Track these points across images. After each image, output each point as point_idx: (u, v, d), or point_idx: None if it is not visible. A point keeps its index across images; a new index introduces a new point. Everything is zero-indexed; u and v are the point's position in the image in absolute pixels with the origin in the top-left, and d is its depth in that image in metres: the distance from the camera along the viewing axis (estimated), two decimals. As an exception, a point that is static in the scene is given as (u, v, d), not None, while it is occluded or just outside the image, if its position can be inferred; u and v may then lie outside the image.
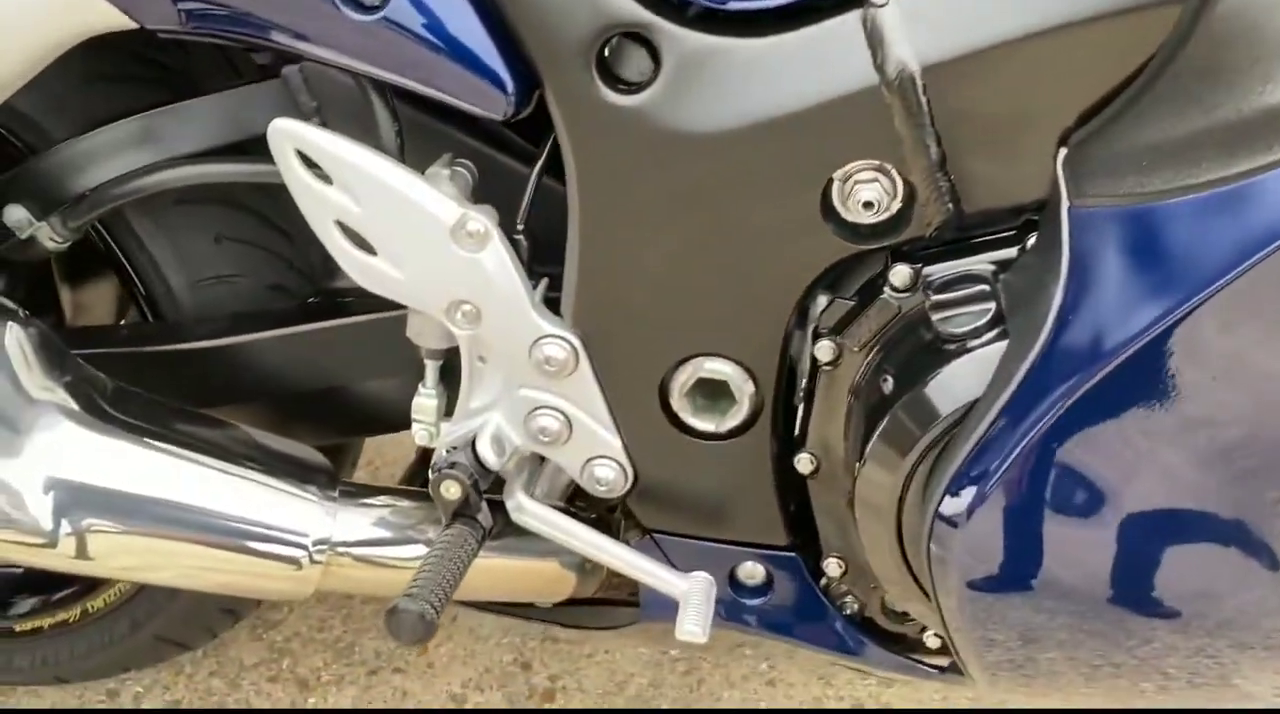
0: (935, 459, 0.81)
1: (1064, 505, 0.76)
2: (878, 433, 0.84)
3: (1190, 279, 0.69)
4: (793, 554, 1.00)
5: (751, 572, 1.02)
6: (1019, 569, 0.78)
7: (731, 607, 1.02)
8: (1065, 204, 0.74)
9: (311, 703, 1.51)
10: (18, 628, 1.37)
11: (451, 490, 0.94)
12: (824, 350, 0.89)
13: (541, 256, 0.95)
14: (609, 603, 1.17)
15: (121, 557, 0.98)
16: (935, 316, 0.81)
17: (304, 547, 0.99)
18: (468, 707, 1.49)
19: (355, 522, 1.01)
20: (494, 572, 1.04)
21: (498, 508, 0.98)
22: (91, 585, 1.37)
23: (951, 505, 0.78)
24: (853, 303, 0.88)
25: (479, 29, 0.84)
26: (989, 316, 0.80)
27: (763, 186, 0.83)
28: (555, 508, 1.00)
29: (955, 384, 0.80)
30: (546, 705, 1.51)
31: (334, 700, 1.51)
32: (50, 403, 0.95)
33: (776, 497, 0.97)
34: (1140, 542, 0.76)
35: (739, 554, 1.01)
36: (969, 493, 0.77)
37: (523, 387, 0.96)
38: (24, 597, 1.40)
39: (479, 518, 0.95)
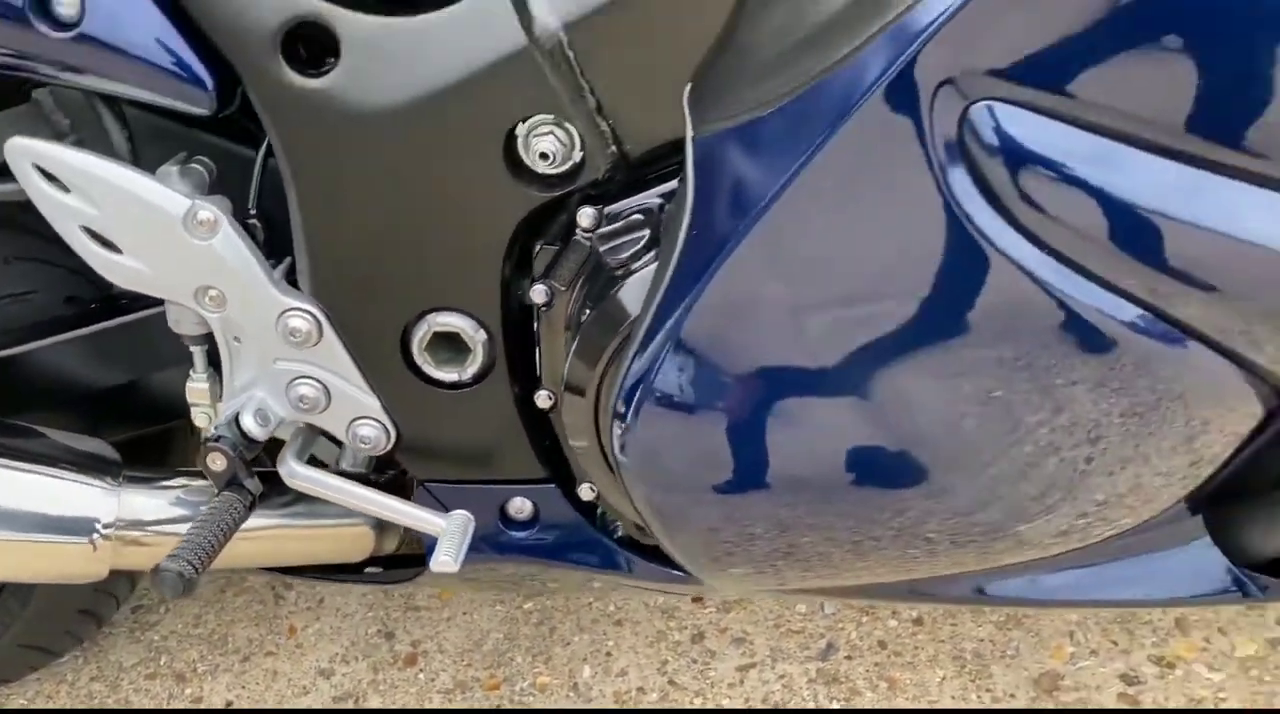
0: (611, 373, 0.90)
1: (715, 397, 0.85)
2: (571, 355, 0.93)
3: (771, 182, 0.77)
4: (551, 484, 1.08)
5: (520, 506, 1.11)
6: (690, 465, 0.87)
7: (507, 541, 1.11)
8: (690, 135, 0.83)
9: (188, 694, 1.59)
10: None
11: (218, 462, 1.02)
12: (538, 293, 0.98)
13: (285, 237, 1.03)
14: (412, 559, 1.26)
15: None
16: (603, 248, 0.90)
17: (94, 529, 1.08)
18: (340, 675, 1.58)
19: (140, 502, 1.11)
20: (300, 536, 1.13)
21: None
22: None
23: (623, 412, 0.87)
24: (556, 247, 0.97)
25: (173, 33, 0.91)
26: (643, 242, 0.89)
27: (448, 151, 0.91)
28: (337, 472, 1.09)
29: (624, 303, 0.89)
30: (410, 669, 1.59)
31: (210, 689, 1.59)
32: None
33: (527, 434, 1.05)
34: (776, 419, 0.85)
35: (506, 491, 1.10)
36: (635, 396, 0.86)
37: (278, 359, 1.04)
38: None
39: (248, 485, 1.03)
